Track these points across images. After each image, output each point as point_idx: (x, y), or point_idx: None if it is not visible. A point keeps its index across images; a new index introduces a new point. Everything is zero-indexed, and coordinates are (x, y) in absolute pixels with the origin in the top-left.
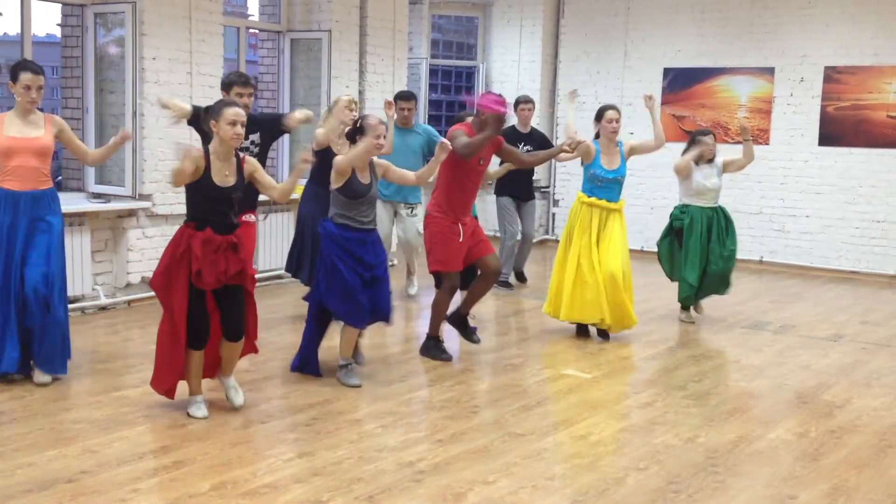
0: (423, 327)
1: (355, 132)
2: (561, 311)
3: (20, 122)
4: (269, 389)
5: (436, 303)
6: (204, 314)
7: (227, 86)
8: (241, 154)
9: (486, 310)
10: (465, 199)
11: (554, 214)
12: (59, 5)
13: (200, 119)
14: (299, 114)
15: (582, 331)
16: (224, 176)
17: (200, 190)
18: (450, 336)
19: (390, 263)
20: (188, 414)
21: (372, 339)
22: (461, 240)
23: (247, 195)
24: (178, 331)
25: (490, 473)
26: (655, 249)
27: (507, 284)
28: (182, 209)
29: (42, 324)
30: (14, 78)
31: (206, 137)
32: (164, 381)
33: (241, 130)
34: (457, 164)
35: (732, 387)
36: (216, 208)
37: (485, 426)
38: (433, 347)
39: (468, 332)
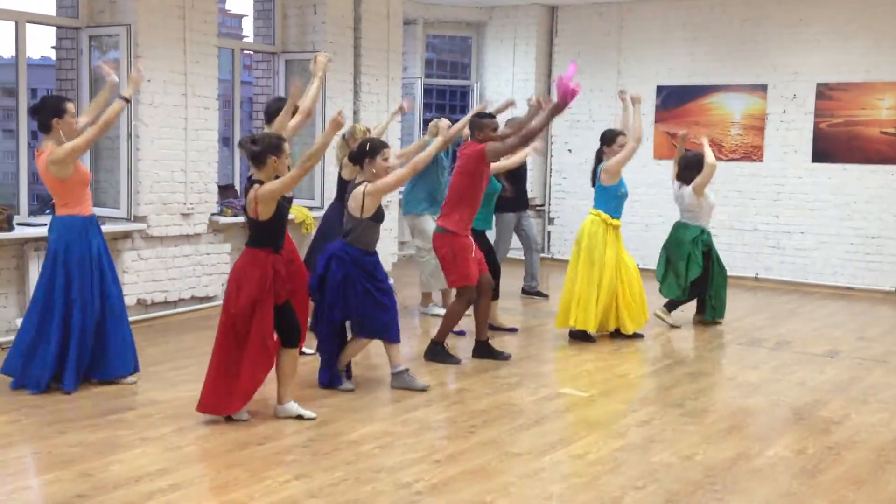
0: (416, 348)
1: (362, 155)
2: (626, 326)
3: None
4: (264, 411)
5: (451, 313)
6: (294, 315)
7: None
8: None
9: None
10: (473, 215)
11: (549, 233)
12: (54, 28)
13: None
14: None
15: (581, 335)
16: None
17: (282, 212)
18: (452, 344)
19: None
20: (312, 418)
21: (368, 359)
22: (473, 254)
23: None
24: (269, 347)
25: (487, 494)
26: (654, 268)
27: (538, 293)
28: (178, 230)
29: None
30: (61, 112)
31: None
32: (238, 400)
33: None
34: (475, 181)
35: (729, 404)
36: (283, 227)
37: (482, 446)
38: (440, 352)
39: (497, 354)
